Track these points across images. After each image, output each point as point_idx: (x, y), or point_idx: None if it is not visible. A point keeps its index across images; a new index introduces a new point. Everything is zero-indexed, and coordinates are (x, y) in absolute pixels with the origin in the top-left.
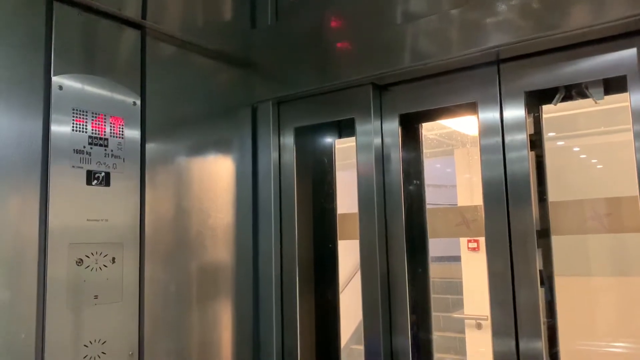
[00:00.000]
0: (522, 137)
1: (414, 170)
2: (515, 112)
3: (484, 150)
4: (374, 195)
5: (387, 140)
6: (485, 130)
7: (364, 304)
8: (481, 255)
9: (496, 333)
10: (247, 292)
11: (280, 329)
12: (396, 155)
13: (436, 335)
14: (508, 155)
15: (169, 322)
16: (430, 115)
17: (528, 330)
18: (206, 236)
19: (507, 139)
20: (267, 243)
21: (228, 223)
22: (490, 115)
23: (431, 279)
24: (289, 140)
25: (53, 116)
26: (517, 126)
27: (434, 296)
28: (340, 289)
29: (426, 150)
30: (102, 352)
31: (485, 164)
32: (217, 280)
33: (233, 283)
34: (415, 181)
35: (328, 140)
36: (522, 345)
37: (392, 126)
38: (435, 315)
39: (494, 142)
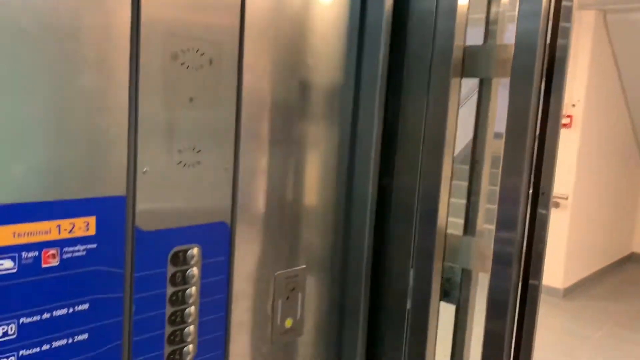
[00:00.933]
0: None
1: None
2: None
3: None
4: None
5: None
6: None
7: None
8: (572, 133)
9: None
10: (346, 136)
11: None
12: None
13: None
14: None
15: (266, 140)
16: None
17: None
18: (306, 54)
19: None
20: (369, 102)
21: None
22: None
23: None
24: None
25: None
26: None
27: None
28: None
29: None
30: (197, 162)
31: None
32: (319, 102)
33: (334, 111)
34: None
35: None
36: None
37: None
38: None
39: None
